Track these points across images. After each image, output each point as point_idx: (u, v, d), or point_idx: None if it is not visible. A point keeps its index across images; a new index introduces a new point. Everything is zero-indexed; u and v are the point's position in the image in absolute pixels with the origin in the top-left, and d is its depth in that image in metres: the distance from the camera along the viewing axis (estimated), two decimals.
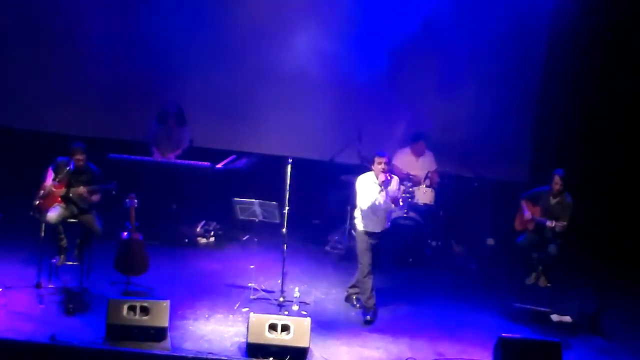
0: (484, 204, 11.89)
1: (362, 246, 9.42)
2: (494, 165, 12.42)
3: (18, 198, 9.93)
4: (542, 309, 9.82)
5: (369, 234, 9.38)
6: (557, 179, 10.10)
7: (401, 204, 9.63)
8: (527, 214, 10.26)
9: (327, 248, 11.69)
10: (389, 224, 9.55)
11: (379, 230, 9.39)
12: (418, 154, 11.77)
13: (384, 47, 12.17)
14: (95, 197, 9.55)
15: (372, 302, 9.42)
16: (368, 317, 9.37)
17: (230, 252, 11.29)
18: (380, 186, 9.19)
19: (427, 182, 11.55)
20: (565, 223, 9.85)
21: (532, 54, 12.50)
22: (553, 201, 10.16)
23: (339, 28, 12.06)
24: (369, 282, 9.40)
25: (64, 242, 9.69)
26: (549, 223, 9.92)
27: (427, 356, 8.65)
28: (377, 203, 9.21)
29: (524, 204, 10.37)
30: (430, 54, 12.38)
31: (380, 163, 9.18)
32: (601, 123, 12.32)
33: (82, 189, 9.43)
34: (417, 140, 11.73)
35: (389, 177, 9.22)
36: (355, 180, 9.48)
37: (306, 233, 11.88)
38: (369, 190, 9.25)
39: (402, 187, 10.73)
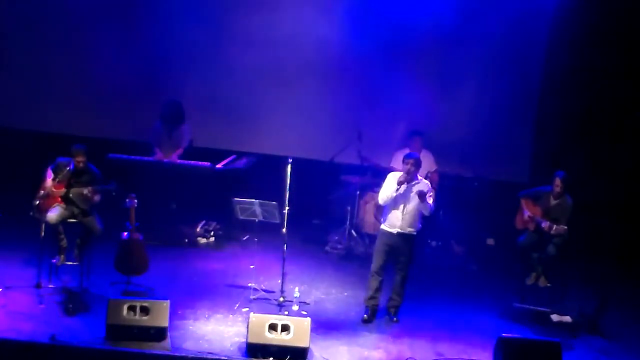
0: (484, 204, 11.89)
1: (377, 243, 9.42)
2: (494, 165, 12.44)
3: (18, 198, 9.93)
4: (542, 309, 9.82)
5: (385, 233, 9.31)
6: (557, 181, 10.07)
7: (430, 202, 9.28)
8: (527, 214, 10.25)
9: (327, 248, 11.69)
10: (412, 230, 9.28)
11: (395, 231, 9.23)
12: (416, 152, 11.75)
13: (384, 47, 12.20)
14: (97, 197, 9.55)
15: (372, 302, 9.40)
16: (365, 315, 9.39)
17: (230, 252, 11.29)
18: (398, 185, 9.13)
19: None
20: (564, 227, 9.80)
21: (532, 53, 12.51)
22: (553, 202, 10.14)
23: (339, 28, 12.07)
24: (373, 282, 9.36)
25: (64, 242, 9.69)
26: (543, 224, 9.91)
27: (427, 356, 8.64)
28: (388, 198, 9.15)
29: (523, 202, 10.36)
30: (430, 53, 12.40)
31: (406, 164, 9.16)
32: (601, 123, 12.32)
33: (85, 190, 9.43)
34: (412, 138, 11.73)
35: (406, 182, 9.12)
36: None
37: (306, 233, 11.89)
38: (388, 184, 9.23)
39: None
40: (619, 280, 11.25)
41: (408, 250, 9.33)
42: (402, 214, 9.20)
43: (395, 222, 9.23)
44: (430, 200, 9.16)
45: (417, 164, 9.24)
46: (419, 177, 9.33)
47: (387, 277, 9.57)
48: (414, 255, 9.47)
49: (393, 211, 9.24)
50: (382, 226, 9.37)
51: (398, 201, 9.19)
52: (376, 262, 9.36)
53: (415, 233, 9.32)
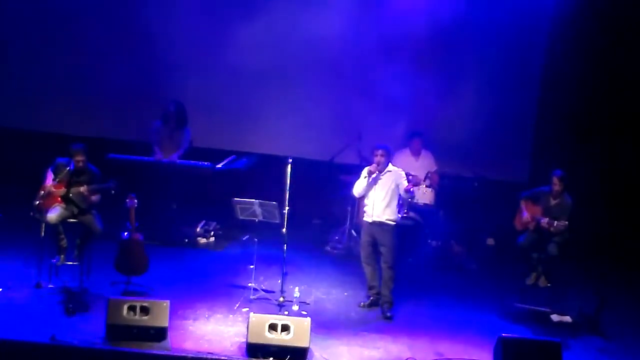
0: (484, 204, 11.90)
1: (361, 236, 9.81)
2: (494, 165, 12.44)
3: (18, 198, 9.93)
4: (542, 309, 9.82)
5: (364, 224, 9.60)
6: (555, 180, 10.10)
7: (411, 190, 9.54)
8: (526, 216, 10.24)
9: (327, 248, 11.70)
10: (389, 219, 9.42)
11: (370, 220, 9.46)
12: (415, 152, 11.77)
13: (384, 47, 12.20)
14: (95, 197, 9.55)
15: (372, 292, 9.70)
16: (361, 302, 9.72)
17: (230, 252, 11.30)
18: (369, 175, 9.40)
19: (427, 182, 11.55)
20: (565, 222, 9.83)
21: (532, 54, 12.53)
22: (553, 202, 10.16)
23: (339, 29, 12.07)
24: (366, 272, 9.70)
25: (64, 242, 9.69)
26: (543, 221, 9.93)
27: (427, 356, 8.64)
28: (361, 189, 9.46)
29: (522, 204, 10.37)
30: (430, 54, 12.41)
31: (375, 155, 9.44)
32: (601, 123, 12.33)
33: (82, 188, 9.44)
34: (412, 138, 11.75)
35: (376, 171, 9.37)
36: (354, 181, 9.50)
37: (306, 233, 11.89)
38: (361, 177, 9.52)
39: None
40: (618, 280, 11.24)
41: (387, 240, 9.47)
42: (376, 203, 9.43)
43: (370, 211, 9.48)
44: (405, 183, 9.39)
45: (388, 154, 9.51)
46: (391, 167, 9.51)
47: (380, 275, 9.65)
48: (395, 246, 9.52)
49: (367, 201, 9.53)
50: (363, 218, 9.65)
51: (370, 191, 9.44)
52: (362, 253, 9.70)
53: (392, 222, 9.47)
